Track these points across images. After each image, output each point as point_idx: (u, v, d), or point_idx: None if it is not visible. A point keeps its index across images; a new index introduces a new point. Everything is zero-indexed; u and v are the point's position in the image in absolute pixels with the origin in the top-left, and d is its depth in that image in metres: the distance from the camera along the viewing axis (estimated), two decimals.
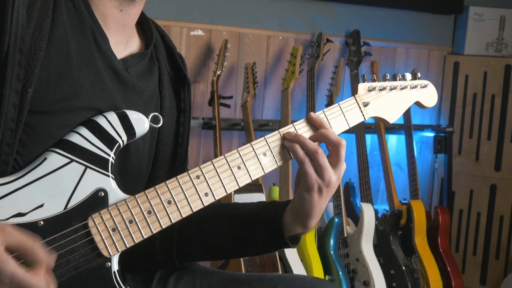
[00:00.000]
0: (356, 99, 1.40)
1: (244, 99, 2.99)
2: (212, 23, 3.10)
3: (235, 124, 3.06)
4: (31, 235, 1.08)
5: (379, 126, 3.36)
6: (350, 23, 3.42)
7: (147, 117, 1.25)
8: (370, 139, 3.50)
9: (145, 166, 1.36)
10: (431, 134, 3.69)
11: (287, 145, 1.30)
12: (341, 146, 1.29)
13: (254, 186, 2.74)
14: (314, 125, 1.33)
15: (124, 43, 1.31)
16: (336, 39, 3.35)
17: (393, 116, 1.45)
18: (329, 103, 3.14)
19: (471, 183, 3.66)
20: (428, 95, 1.50)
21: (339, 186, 2.88)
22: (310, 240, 2.84)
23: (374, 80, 1.46)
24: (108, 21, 1.27)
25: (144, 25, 1.38)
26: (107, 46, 1.27)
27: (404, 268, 3.02)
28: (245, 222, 1.38)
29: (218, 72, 2.92)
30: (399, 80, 1.46)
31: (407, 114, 3.43)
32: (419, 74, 1.50)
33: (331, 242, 2.94)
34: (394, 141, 3.63)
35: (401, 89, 1.46)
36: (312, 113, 1.33)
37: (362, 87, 1.42)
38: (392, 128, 3.48)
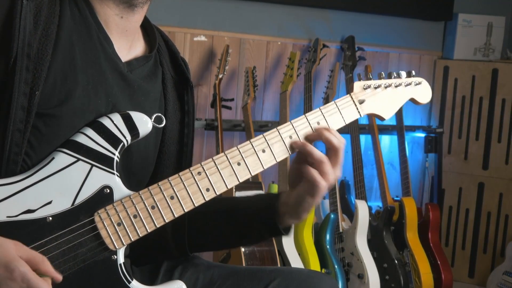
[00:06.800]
0: (351, 97, 1.36)
1: (245, 101, 2.98)
2: (214, 29, 3.09)
3: (236, 125, 3.05)
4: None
5: (372, 127, 3.35)
6: (346, 29, 3.41)
7: (150, 118, 1.24)
8: (364, 139, 3.49)
9: (148, 165, 1.35)
10: (422, 135, 3.68)
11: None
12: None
13: (254, 184, 2.74)
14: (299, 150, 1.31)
15: (127, 47, 1.31)
16: (332, 45, 3.34)
17: (389, 113, 1.41)
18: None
19: (460, 181, 3.65)
20: (422, 91, 1.45)
21: (335, 184, 2.87)
22: (307, 235, 2.84)
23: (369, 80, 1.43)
24: (111, 27, 1.27)
25: (148, 30, 1.38)
26: (112, 50, 1.26)
27: (396, 261, 3.01)
28: (244, 218, 1.39)
29: (220, 76, 2.91)
30: (394, 78, 1.42)
31: (399, 116, 3.42)
32: (413, 72, 1.46)
33: (327, 237, 2.93)
34: (387, 141, 3.62)
35: (396, 86, 1.42)
36: (295, 141, 1.32)
37: (358, 85, 1.38)
38: (385, 129, 3.47)
